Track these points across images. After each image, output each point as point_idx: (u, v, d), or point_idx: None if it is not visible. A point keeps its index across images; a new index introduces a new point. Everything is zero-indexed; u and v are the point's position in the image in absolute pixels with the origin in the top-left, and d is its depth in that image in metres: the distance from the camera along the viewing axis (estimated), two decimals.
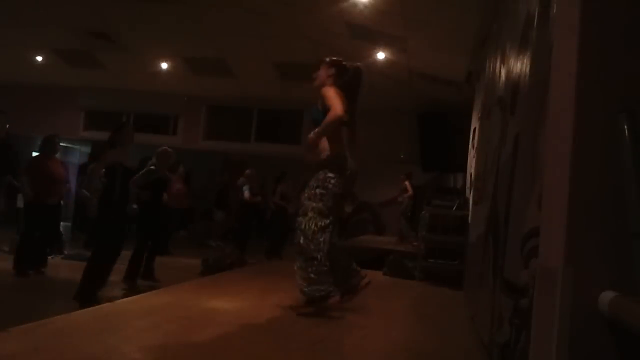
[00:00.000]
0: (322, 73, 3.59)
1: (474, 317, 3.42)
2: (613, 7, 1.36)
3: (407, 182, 9.58)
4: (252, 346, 2.48)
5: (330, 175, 3.33)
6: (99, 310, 3.02)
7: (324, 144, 3.41)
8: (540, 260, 1.57)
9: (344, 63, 3.66)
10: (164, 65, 10.45)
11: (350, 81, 3.60)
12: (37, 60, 10.80)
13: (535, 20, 2.18)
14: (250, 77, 10.49)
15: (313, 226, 3.23)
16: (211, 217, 10.47)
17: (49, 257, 6.22)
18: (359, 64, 3.76)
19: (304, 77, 11.19)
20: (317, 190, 3.31)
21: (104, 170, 4.85)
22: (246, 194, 8.37)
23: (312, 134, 3.39)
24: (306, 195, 3.35)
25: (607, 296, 1.23)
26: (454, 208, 6.24)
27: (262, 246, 9.04)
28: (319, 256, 3.18)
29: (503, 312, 2.17)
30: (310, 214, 3.26)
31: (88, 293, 4.19)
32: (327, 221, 3.28)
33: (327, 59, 3.66)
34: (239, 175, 9.08)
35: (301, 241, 3.25)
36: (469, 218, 5.34)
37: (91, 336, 2.39)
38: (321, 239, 3.22)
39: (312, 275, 3.18)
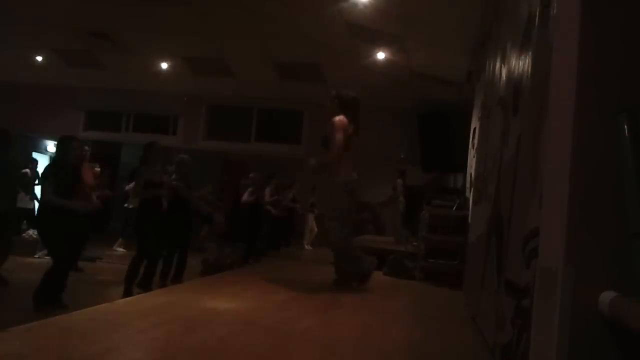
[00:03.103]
0: (332, 109, 4.55)
1: (476, 318, 3.42)
2: (613, 7, 1.36)
3: (398, 180, 9.49)
4: (252, 346, 2.48)
5: (344, 199, 4.41)
6: (99, 310, 3.02)
7: (342, 167, 4.41)
8: (540, 260, 1.57)
9: (344, 94, 4.60)
10: (164, 65, 10.45)
11: (350, 106, 4.56)
12: (37, 60, 10.81)
13: (537, 19, 2.18)
14: (250, 77, 10.49)
15: (341, 235, 4.44)
16: (212, 220, 10.40)
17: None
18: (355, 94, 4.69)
19: (304, 77, 11.24)
20: (334, 213, 4.45)
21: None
22: (246, 195, 8.34)
23: (314, 162, 4.59)
24: (327, 216, 4.57)
25: (607, 296, 1.23)
26: (454, 208, 6.24)
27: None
28: (349, 251, 4.55)
29: (505, 312, 2.17)
30: (336, 226, 4.44)
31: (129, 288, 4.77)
32: (346, 232, 4.51)
33: (333, 93, 4.64)
34: (238, 176, 9.05)
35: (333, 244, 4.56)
36: (469, 218, 5.34)
37: (91, 336, 2.39)
38: (347, 242, 4.56)
39: (347, 261, 4.56)
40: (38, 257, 6.53)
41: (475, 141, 5.56)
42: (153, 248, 5.04)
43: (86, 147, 6.34)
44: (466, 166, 6.67)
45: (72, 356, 2.08)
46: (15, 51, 10.32)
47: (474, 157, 5.58)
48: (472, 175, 5.56)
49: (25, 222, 8.14)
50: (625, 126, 1.26)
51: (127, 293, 4.63)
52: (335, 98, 4.58)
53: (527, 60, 2.37)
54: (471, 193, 5.48)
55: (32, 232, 7.42)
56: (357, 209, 10.47)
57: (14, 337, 2.23)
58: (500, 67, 3.60)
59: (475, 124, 5.96)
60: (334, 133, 4.37)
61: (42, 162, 8.06)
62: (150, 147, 5.28)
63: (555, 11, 1.79)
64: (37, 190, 6.55)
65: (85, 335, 2.41)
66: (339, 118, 4.44)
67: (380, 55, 8.46)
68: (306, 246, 10.74)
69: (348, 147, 4.45)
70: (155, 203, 5.09)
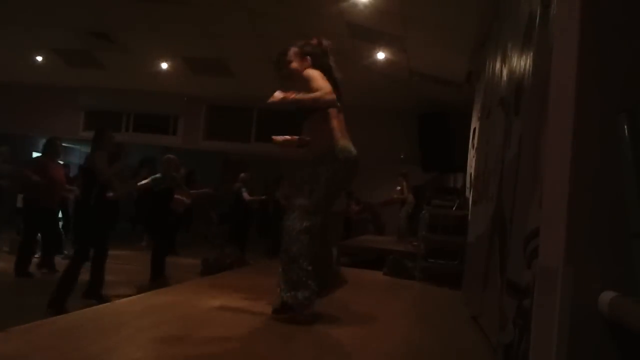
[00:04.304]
0: (297, 65, 3.20)
1: (478, 318, 3.42)
2: (613, 7, 1.36)
3: (403, 182, 9.63)
4: (252, 346, 2.48)
5: (324, 168, 2.95)
6: (99, 310, 3.02)
7: (327, 131, 3.05)
8: (540, 260, 1.57)
9: (316, 49, 3.22)
10: (164, 65, 10.45)
11: (324, 63, 3.21)
12: (37, 60, 10.81)
13: (537, 19, 2.18)
14: (250, 77, 10.48)
15: (298, 225, 2.90)
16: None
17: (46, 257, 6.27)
18: (323, 42, 3.30)
19: None
20: (306, 187, 2.98)
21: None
22: (245, 195, 8.48)
23: (289, 95, 2.93)
24: (302, 190, 3.00)
25: (607, 296, 1.23)
26: (454, 208, 6.24)
27: (262, 246, 9.10)
28: (300, 260, 2.88)
29: (507, 312, 2.17)
30: (295, 213, 2.93)
31: (62, 297, 4.15)
32: (313, 221, 2.92)
33: (296, 47, 3.24)
34: (237, 176, 9.15)
35: (285, 241, 2.93)
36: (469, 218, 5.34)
37: (91, 336, 2.39)
38: (304, 241, 2.89)
39: (293, 278, 2.88)
40: (37, 257, 6.51)
41: (475, 141, 5.56)
42: (89, 248, 4.56)
43: (58, 142, 6.17)
44: (466, 166, 6.68)
45: (72, 356, 2.08)
46: (15, 51, 10.33)
47: (473, 157, 5.59)
48: (472, 175, 5.56)
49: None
50: (625, 126, 1.26)
51: (60, 302, 4.02)
52: (306, 55, 3.21)
53: (528, 61, 2.37)
54: (471, 193, 5.49)
55: None
56: (361, 209, 10.49)
57: (14, 337, 2.23)
58: (501, 67, 3.60)
59: (475, 124, 5.96)
60: (311, 82, 2.99)
61: None
62: (103, 133, 4.83)
63: (555, 11, 1.79)
64: None
65: (85, 335, 2.41)
66: (314, 70, 3.09)
67: (380, 55, 8.46)
68: None
69: (341, 110, 3.16)
70: (101, 196, 4.60)
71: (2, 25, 9.11)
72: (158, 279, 5.52)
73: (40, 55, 10.68)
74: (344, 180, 3.08)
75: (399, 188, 9.57)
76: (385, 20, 7.18)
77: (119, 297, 4.51)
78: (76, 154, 13.83)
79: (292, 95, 2.93)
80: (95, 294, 4.56)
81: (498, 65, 3.81)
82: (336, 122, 3.09)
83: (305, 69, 3.14)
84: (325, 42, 3.30)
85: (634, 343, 1.20)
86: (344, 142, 3.06)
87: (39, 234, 6.03)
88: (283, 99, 2.92)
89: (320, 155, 3.02)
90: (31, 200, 5.81)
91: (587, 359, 1.29)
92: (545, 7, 2.02)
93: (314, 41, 3.26)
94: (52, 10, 8.38)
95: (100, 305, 3.21)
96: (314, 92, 2.93)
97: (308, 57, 3.20)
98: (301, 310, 2.85)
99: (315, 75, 3.03)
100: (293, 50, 3.24)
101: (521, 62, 2.59)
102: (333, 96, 2.95)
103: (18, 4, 8.26)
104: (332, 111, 3.10)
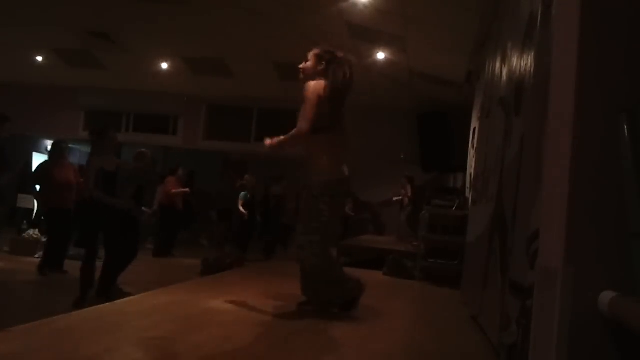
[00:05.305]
0: (310, 66, 3.37)
1: (477, 317, 3.42)
2: (613, 7, 1.36)
3: (407, 185, 9.69)
4: (252, 346, 2.48)
5: (324, 207, 3.16)
6: (99, 310, 3.02)
7: (322, 160, 3.21)
8: (540, 260, 1.57)
9: (336, 56, 3.33)
10: (164, 65, 10.44)
11: (343, 86, 3.26)
12: (37, 60, 10.80)
13: (539, 20, 2.18)
14: (250, 77, 10.48)
15: (315, 260, 3.21)
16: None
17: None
18: (349, 59, 3.41)
19: None
20: (313, 224, 3.20)
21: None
22: (240, 203, 8.62)
23: (273, 141, 3.28)
24: (302, 229, 3.27)
25: (607, 296, 1.23)
26: (454, 208, 6.24)
27: (261, 245, 9.14)
28: (341, 281, 3.36)
29: (510, 312, 2.17)
30: (308, 249, 3.21)
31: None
32: (329, 243, 3.27)
33: (317, 51, 3.40)
34: (238, 176, 9.17)
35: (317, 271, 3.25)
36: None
37: (91, 336, 2.39)
38: (332, 259, 3.31)
39: (339, 294, 3.39)
40: (38, 257, 6.53)
41: (475, 141, 5.57)
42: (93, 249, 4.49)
43: (63, 144, 6.25)
44: (466, 166, 6.68)
45: (72, 356, 2.08)
46: (15, 51, 10.32)
47: (473, 157, 5.59)
48: (472, 175, 5.57)
49: (25, 222, 8.14)
50: (625, 126, 1.26)
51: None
52: (321, 60, 3.32)
53: (529, 60, 2.37)
54: (471, 193, 5.49)
55: (32, 232, 7.42)
56: (357, 209, 10.57)
57: (14, 337, 2.23)
58: (501, 67, 3.60)
59: (475, 124, 5.96)
60: (305, 105, 3.12)
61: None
62: (104, 134, 4.59)
63: (555, 11, 1.79)
64: None
65: (85, 335, 2.41)
66: (316, 82, 3.18)
67: (380, 55, 8.46)
68: None
69: (334, 129, 3.21)
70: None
71: (2, 25, 9.10)
72: (107, 292, 4.65)
73: (40, 55, 10.67)
74: (335, 206, 3.28)
75: (402, 192, 9.66)
76: (385, 20, 7.18)
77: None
78: (76, 154, 13.81)
79: (275, 142, 3.28)
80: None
81: (498, 65, 3.81)
82: (336, 149, 3.26)
83: (316, 72, 3.30)
84: (345, 56, 3.41)
85: (634, 343, 1.20)
86: (334, 174, 3.23)
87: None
88: (271, 146, 3.30)
89: (315, 184, 3.24)
90: (47, 203, 6.04)
91: (587, 358, 1.29)
92: (546, 7, 2.02)
93: (340, 53, 3.38)
94: (53, 10, 8.37)
95: (100, 305, 3.21)
96: (303, 115, 3.13)
97: (323, 62, 3.33)
98: (349, 304, 3.40)
99: (310, 96, 3.13)
100: (315, 51, 3.41)
101: (522, 62, 2.59)
102: (304, 129, 3.12)
103: (18, 4, 8.25)
104: (332, 137, 3.22)
